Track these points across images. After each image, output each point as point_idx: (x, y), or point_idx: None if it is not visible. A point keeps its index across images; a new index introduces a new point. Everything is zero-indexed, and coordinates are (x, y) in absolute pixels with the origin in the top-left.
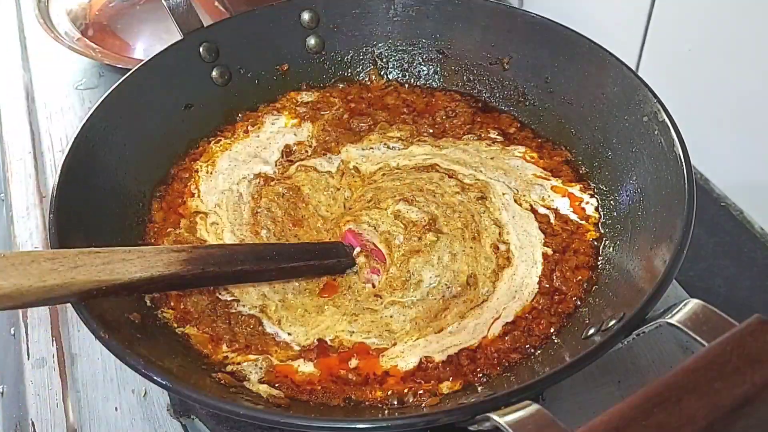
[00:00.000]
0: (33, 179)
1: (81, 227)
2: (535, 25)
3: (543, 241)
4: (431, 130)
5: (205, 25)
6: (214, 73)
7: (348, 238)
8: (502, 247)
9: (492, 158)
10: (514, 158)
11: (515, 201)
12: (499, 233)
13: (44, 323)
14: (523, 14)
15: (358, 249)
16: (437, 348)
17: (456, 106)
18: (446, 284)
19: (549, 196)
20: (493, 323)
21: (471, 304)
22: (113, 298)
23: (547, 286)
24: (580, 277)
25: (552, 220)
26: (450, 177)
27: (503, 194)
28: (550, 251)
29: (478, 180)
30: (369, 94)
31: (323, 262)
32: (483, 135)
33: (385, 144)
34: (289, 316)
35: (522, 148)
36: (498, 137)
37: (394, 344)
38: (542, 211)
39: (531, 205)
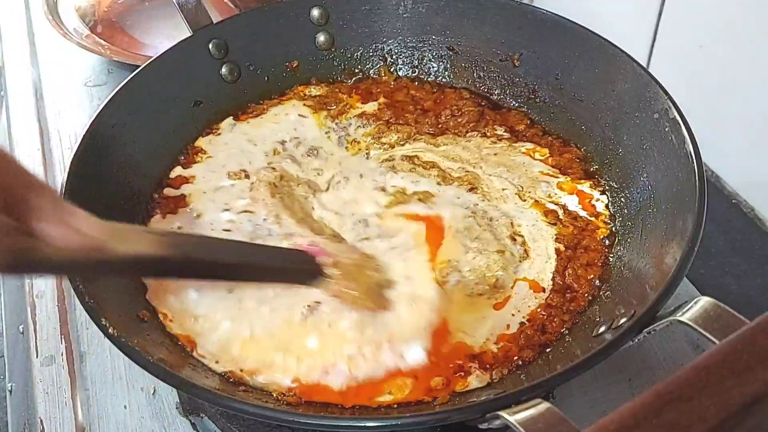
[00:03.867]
0: (41, 176)
1: None
2: (545, 21)
3: (554, 236)
4: (432, 130)
5: (214, 22)
6: (223, 69)
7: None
8: (519, 239)
9: (495, 154)
10: (520, 155)
11: (519, 196)
12: (511, 224)
13: (53, 321)
14: (533, 11)
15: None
16: None
17: (463, 105)
18: (475, 281)
19: (556, 193)
20: (510, 321)
21: (494, 301)
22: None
23: (560, 282)
24: (591, 275)
25: (561, 216)
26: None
27: (503, 189)
28: (562, 247)
29: (468, 172)
30: (378, 90)
31: (301, 267)
32: (489, 133)
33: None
34: None
35: (530, 145)
36: (505, 134)
37: None
38: (550, 206)
39: (537, 201)
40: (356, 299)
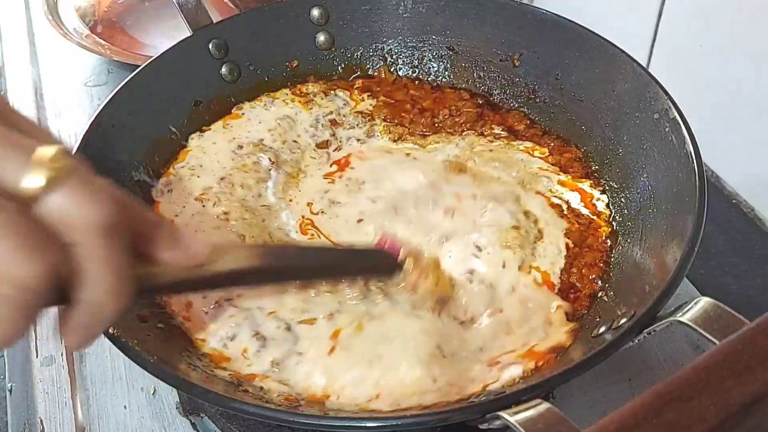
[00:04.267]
0: None
1: None
2: (546, 21)
3: (565, 230)
4: (425, 131)
5: (214, 22)
6: (223, 69)
7: (385, 242)
8: (532, 217)
9: (490, 150)
10: (519, 152)
11: (521, 187)
12: (518, 199)
13: (53, 321)
14: (533, 11)
15: (403, 252)
16: None
17: (462, 105)
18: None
19: (557, 189)
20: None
21: None
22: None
23: (566, 281)
24: (593, 275)
25: (565, 212)
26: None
27: (498, 177)
28: (571, 243)
29: (452, 161)
30: (378, 88)
31: (380, 263)
32: (486, 132)
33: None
34: None
35: (529, 144)
36: (503, 133)
37: None
38: (555, 200)
39: (540, 192)
40: (431, 291)
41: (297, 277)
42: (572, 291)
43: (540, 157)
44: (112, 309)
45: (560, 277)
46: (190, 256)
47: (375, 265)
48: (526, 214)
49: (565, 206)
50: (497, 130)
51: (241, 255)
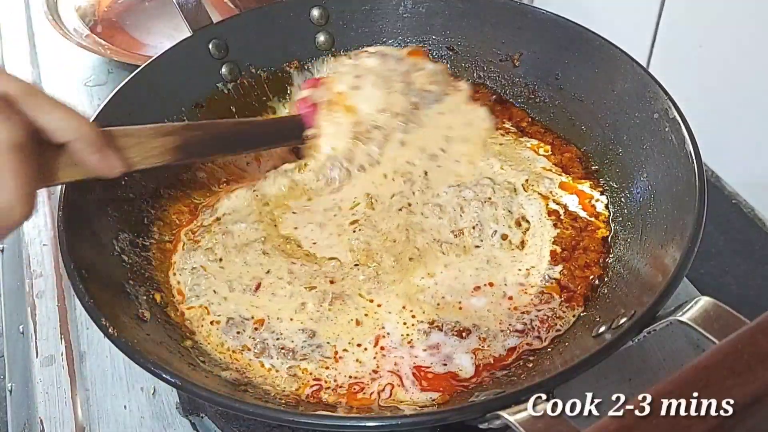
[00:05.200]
0: None
1: (90, 224)
2: (545, 21)
3: (553, 238)
4: None
5: (214, 22)
6: (223, 69)
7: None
8: (524, 225)
9: (500, 144)
10: (526, 150)
11: (523, 188)
12: (513, 187)
13: (53, 321)
14: (533, 11)
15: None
16: None
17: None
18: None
19: (557, 192)
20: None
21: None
22: None
23: (553, 284)
24: (590, 275)
25: (562, 217)
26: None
27: (501, 167)
28: (558, 249)
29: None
30: None
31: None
32: (497, 125)
33: None
34: None
35: (534, 141)
36: (512, 128)
37: None
38: (552, 206)
39: (541, 194)
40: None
41: (214, 150)
42: (565, 291)
43: (544, 155)
44: (19, 212)
45: (543, 278)
46: (110, 170)
47: (282, 132)
48: (521, 221)
49: (562, 211)
50: (507, 124)
51: (157, 145)
